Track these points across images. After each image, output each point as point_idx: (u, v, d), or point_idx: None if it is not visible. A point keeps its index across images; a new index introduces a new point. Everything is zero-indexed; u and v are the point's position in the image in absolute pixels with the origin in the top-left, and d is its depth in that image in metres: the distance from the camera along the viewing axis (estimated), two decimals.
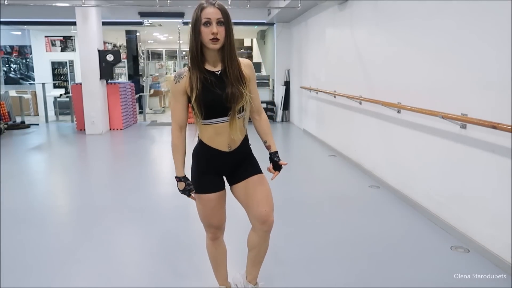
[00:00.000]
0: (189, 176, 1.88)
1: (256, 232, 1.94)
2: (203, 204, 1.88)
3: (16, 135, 7.83)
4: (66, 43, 11.36)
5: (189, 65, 1.76)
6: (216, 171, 1.89)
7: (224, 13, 1.68)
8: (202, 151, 1.86)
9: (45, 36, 11.19)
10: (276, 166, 1.94)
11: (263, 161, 1.98)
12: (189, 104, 1.80)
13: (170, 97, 1.81)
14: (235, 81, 1.74)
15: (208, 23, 1.66)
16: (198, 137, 1.87)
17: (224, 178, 1.95)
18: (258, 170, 1.93)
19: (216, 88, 1.74)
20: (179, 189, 1.86)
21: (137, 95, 10.13)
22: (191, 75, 1.74)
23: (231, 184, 1.94)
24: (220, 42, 1.69)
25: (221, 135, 1.80)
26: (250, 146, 1.96)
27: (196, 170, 1.89)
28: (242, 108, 1.79)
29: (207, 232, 2.01)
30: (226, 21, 1.69)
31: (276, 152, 1.95)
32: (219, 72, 1.76)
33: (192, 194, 1.86)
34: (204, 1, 1.70)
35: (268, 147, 1.97)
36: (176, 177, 1.84)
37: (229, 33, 1.70)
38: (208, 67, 1.76)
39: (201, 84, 1.72)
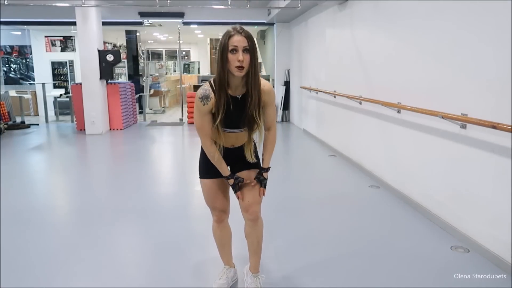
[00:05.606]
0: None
1: (245, 221, 2.14)
2: (205, 188, 2.12)
3: (16, 135, 7.83)
4: (66, 43, 11.37)
5: (216, 89, 1.85)
6: None
7: (250, 41, 1.78)
8: None
9: (45, 36, 11.19)
10: (260, 180, 2.06)
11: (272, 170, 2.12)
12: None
13: (196, 114, 1.94)
14: (254, 107, 1.87)
15: (234, 50, 1.76)
16: None
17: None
18: (258, 166, 2.10)
19: (235, 112, 1.88)
20: (231, 186, 2.05)
21: (137, 95, 10.13)
22: (217, 99, 1.85)
23: (232, 172, 2.07)
24: (245, 70, 1.79)
25: (229, 138, 1.99)
26: (256, 145, 2.10)
27: (201, 159, 2.11)
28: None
29: (213, 215, 2.20)
30: (251, 49, 1.79)
31: (267, 169, 2.07)
32: (240, 97, 1.89)
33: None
34: (232, 29, 1.79)
35: (262, 160, 2.08)
36: (224, 177, 2.04)
37: (253, 60, 1.80)
38: (230, 91, 1.87)
39: (225, 108, 1.86)
